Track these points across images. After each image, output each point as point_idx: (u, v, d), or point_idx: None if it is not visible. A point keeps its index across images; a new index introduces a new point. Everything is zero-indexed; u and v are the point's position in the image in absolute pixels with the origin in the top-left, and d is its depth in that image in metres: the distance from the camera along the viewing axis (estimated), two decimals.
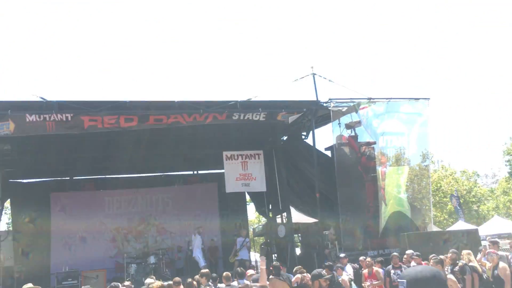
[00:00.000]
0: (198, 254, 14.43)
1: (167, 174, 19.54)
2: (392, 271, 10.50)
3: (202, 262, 14.18)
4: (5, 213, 20.34)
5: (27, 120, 10.98)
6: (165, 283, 9.67)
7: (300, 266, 10.68)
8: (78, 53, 63.92)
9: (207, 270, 9.83)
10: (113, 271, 15.83)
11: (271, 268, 10.61)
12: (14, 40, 57.16)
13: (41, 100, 11.22)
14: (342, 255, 11.61)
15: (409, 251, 11.17)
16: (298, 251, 17.85)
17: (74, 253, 16.06)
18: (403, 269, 10.51)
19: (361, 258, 11.37)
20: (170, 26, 66.07)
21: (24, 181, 18.01)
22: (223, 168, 15.71)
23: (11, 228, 18.66)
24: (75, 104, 11.60)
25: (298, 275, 10.03)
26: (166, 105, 12.39)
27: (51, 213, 17.12)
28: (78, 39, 63.15)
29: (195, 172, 19.89)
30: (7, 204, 18.90)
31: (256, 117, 12.71)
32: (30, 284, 6.94)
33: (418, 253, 10.76)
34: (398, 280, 3.34)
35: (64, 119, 11.23)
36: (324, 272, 7.69)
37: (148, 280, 9.88)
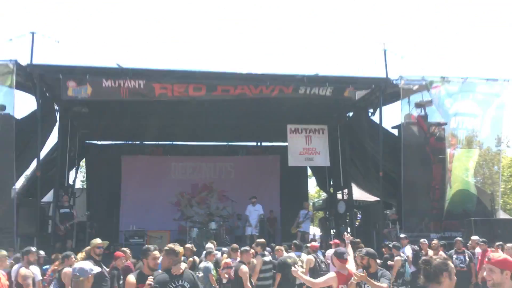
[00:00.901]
0: (251, 223, 14.62)
1: (231, 144, 19.92)
2: (455, 256, 10.25)
3: (248, 231, 14.49)
4: (81, 171, 21.69)
5: (104, 85, 11.55)
6: (225, 248, 10.05)
7: (358, 240, 10.65)
8: (151, 22, 65.65)
9: (263, 239, 10.06)
10: (176, 233, 16.54)
11: (331, 243, 10.70)
12: (96, 8, 59.62)
13: (117, 66, 11.77)
14: (402, 235, 11.41)
15: (475, 237, 10.84)
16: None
17: (141, 213, 16.74)
18: (466, 254, 10.22)
19: (422, 240, 11.14)
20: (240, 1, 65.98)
21: (99, 143, 19.10)
22: (286, 141, 15.78)
23: (85, 186, 19.91)
24: (147, 72, 12.05)
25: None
26: (234, 76, 12.55)
27: (121, 174, 18.09)
28: (151, 10, 64.75)
29: (259, 144, 20.15)
30: (83, 163, 20.15)
31: (322, 92, 12.58)
32: (98, 240, 7.32)
33: (484, 239, 10.41)
34: None
35: (137, 86, 11.70)
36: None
37: (208, 245, 10.28)
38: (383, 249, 10.84)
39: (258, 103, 14.09)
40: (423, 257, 3.90)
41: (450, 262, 3.51)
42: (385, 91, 13.29)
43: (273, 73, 12.94)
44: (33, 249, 7.47)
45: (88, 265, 4.15)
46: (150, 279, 4.66)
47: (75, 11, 57.86)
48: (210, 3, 62.38)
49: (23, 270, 6.91)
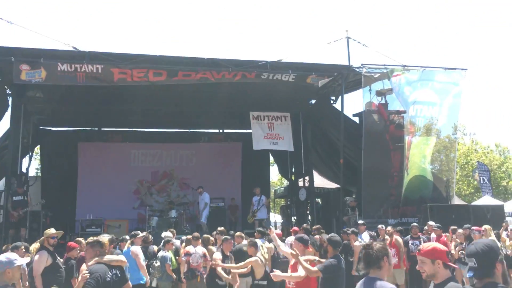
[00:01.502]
0: (202, 213, 14.64)
1: (193, 131, 19.69)
2: (411, 241, 10.52)
3: (202, 219, 14.46)
4: (35, 158, 20.91)
5: (59, 69, 11.10)
6: (184, 237, 9.89)
7: (319, 226, 10.84)
8: (112, 4, 63.73)
9: (222, 228, 10.03)
10: (135, 222, 16.27)
11: (291, 231, 10.79)
12: None
13: (73, 49, 11.30)
14: (360, 221, 11.63)
15: (431, 222, 11.14)
16: None
17: (98, 202, 16.35)
18: (421, 239, 10.49)
19: (380, 226, 11.35)
20: None
21: (54, 129, 18.39)
22: (248, 128, 15.70)
23: (39, 174, 19.20)
24: (105, 56, 11.63)
25: (318, 236, 10.18)
26: (196, 62, 12.33)
27: (78, 162, 17.55)
28: None
29: (221, 131, 19.99)
30: (37, 150, 19.41)
31: (285, 77, 12.57)
32: (52, 229, 7.08)
33: (439, 225, 10.71)
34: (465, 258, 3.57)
35: (95, 70, 11.31)
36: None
37: (167, 234, 10.10)
38: (342, 235, 11.03)
39: (221, 90, 13.94)
40: (365, 243, 3.90)
41: (388, 248, 3.55)
42: (347, 78, 13.41)
43: (236, 58, 12.79)
44: None
45: (4, 257, 3.84)
46: (85, 271, 4.57)
47: None
48: None
49: None
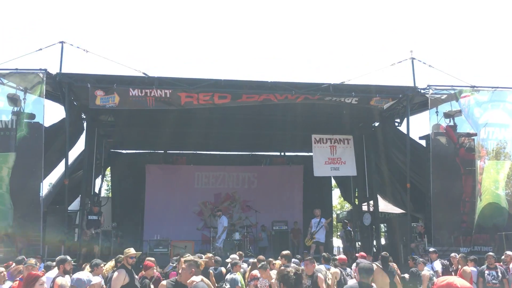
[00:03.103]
0: (220, 237, 14.28)
1: (255, 154, 19.89)
2: (487, 272, 9.83)
3: (218, 243, 14.10)
4: (106, 180, 21.88)
5: (131, 94, 11.67)
6: (251, 260, 9.89)
7: (386, 253, 10.42)
8: (179, 33, 66.42)
9: (288, 251, 9.79)
10: (200, 243, 16.48)
11: (358, 256, 10.48)
12: (121, 16, 60.62)
13: (143, 75, 11.85)
14: (431, 249, 11.08)
15: (509, 252, 10.43)
16: (382, 241, 17.42)
17: (164, 222, 16.79)
18: (499, 270, 9.85)
19: (453, 254, 10.80)
20: (266, 9, 66.10)
21: (124, 151, 19.25)
22: (310, 151, 15.61)
23: (110, 195, 20.03)
24: (173, 81, 12.10)
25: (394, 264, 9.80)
26: (259, 85, 12.51)
27: (145, 183, 18.16)
28: (178, 20, 65.53)
29: (282, 154, 20.04)
30: (108, 171, 20.33)
31: (348, 100, 12.48)
32: (132, 250, 7.20)
33: None
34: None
35: (163, 95, 11.80)
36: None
37: (233, 256, 10.12)
38: (409, 261, 10.63)
39: (283, 113, 14.01)
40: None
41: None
42: (412, 100, 13.08)
43: (299, 82, 12.85)
44: (69, 258, 7.40)
45: (85, 275, 4.06)
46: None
47: (103, 21, 59.00)
48: (236, 15, 62.83)
49: (60, 280, 6.84)
